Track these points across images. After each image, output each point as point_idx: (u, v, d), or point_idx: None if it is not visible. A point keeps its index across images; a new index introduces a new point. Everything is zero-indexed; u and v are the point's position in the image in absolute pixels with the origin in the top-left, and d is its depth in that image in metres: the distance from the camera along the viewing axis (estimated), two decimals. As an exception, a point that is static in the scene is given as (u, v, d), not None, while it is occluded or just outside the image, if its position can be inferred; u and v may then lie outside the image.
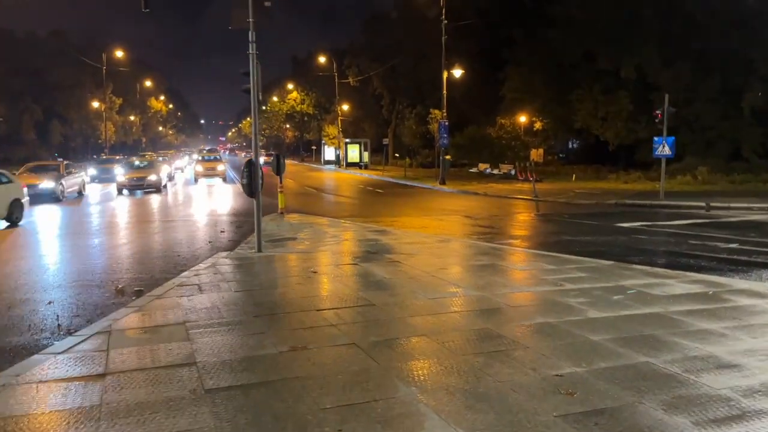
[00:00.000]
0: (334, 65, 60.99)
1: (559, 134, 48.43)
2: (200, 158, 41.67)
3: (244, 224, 15.60)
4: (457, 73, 32.80)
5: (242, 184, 10.19)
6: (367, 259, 9.70)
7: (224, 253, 10.57)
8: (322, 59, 62.04)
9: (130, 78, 79.37)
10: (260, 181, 10.35)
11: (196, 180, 35.16)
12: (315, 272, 8.62)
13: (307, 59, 74.73)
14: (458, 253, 10.41)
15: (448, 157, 34.33)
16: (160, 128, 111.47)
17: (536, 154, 45.53)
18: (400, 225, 15.43)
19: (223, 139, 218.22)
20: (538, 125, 50.35)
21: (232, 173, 42.76)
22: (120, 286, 8.28)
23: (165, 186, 30.33)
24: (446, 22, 32.16)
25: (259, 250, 10.34)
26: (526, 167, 36.92)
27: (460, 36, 38.39)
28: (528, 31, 43.18)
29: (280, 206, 16.75)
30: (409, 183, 35.22)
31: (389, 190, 30.15)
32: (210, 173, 34.84)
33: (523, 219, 17.84)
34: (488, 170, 41.63)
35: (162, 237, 13.86)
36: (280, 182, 16.80)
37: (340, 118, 60.90)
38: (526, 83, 44.25)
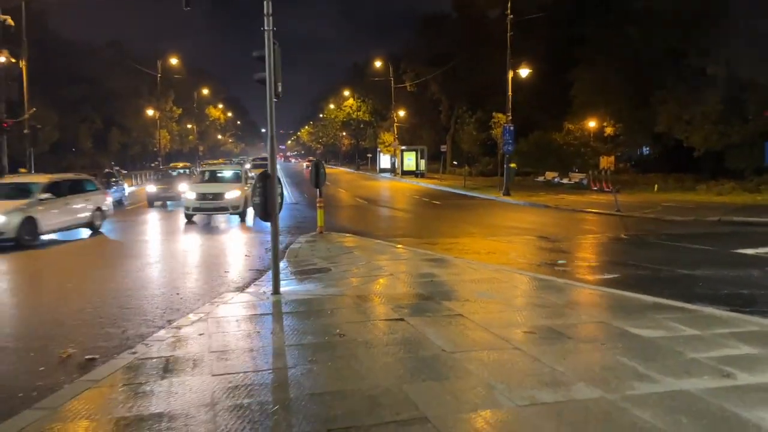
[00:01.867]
0: (390, 70, 58.65)
1: (634, 140, 44.28)
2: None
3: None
4: (524, 72, 29.69)
5: (254, 204, 7.69)
6: (418, 309, 7.00)
7: (231, 295, 8.08)
8: (377, 64, 59.84)
9: (189, 86, 79.64)
10: (279, 200, 7.84)
11: None
12: (342, 335, 5.97)
13: (364, 66, 72.81)
14: (544, 300, 7.57)
15: (513, 165, 31.19)
16: (219, 136, 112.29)
17: (607, 162, 41.63)
18: (460, 249, 12.65)
19: (283, 147, 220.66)
20: (609, 130, 46.41)
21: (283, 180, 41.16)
22: (67, 352, 5.88)
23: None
24: (512, 16, 29.17)
25: (276, 291, 7.81)
26: (601, 176, 33.35)
27: (524, 35, 35.20)
28: (602, 27, 39.52)
29: (319, 224, 14.25)
30: (468, 193, 32.28)
31: (447, 202, 27.33)
32: None
33: (610, 241, 14.70)
34: (556, 179, 38.16)
35: (169, 264, 11.58)
36: (320, 195, 14.30)
37: (396, 124, 58.47)
38: (598, 84, 40.53)
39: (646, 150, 53.02)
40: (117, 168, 59.66)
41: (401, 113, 59.79)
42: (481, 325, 6.28)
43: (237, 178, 20.29)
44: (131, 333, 6.48)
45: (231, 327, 6.39)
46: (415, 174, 50.97)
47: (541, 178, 40.18)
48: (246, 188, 18.69)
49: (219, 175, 21.32)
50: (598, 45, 39.74)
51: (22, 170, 24.85)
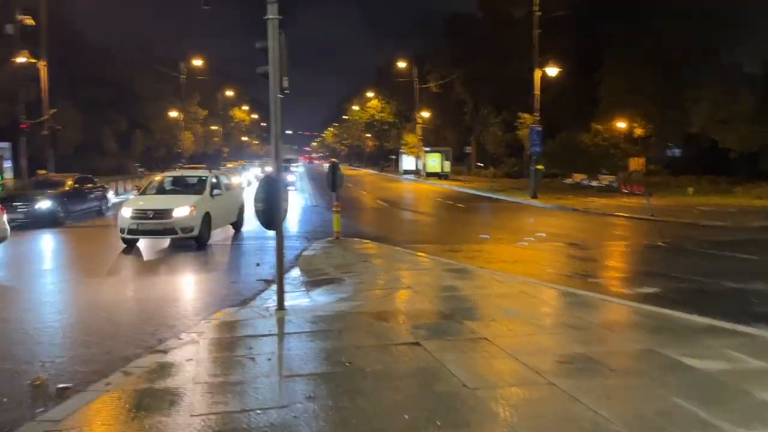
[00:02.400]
0: (415, 71, 57.86)
1: (666, 141, 42.79)
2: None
3: (291, 250, 12.52)
4: (551, 71, 28.67)
5: (256, 212, 6.97)
6: (437, 330, 6.21)
7: (232, 310, 7.39)
8: (401, 65, 59.06)
9: (213, 88, 79.81)
10: (285, 204, 7.12)
11: None
12: (348, 363, 5.21)
13: (388, 67, 72.10)
14: (579, 320, 6.73)
15: (540, 166, 30.15)
16: (244, 138, 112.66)
17: (637, 164, 40.26)
18: (485, 258, 11.81)
19: (308, 149, 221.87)
20: (639, 131, 44.95)
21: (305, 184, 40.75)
22: (39, 379, 5.22)
23: None
24: (539, 13, 28.18)
25: (280, 307, 7.08)
26: (632, 178, 32.14)
27: (551, 33, 34.00)
28: (632, 24, 38.21)
29: (335, 230, 13.51)
30: (494, 196, 31.32)
31: (472, 205, 26.44)
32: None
33: (646, 249, 13.70)
34: (585, 181, 36.95)
35: (172, 276, 10.94)
36: (336, 199, 13.56)
37: (419, 125, 57.63)
38: (627, 84, 39.20)
39: (676, 151, 51.38)
40: (142, 170, 59.94)
41: (425, 114, 58.96)
42: (509, 352, 5.47)
43: (197, 189, 14.31)
44: (116, 355, 5.81)
45: (224, 351, 5.68)
46: (439, 176, 50.08)
47: (568, 181, 39.02)
48: (210, 202, 13.82)
49: (173, 184, 15.49)
50: (627, 43, 38.42)
51: (41, 171, 24.63)
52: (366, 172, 76.85)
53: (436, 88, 55.79)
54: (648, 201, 20.99)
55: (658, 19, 34.81)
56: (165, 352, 5.60)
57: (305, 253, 11.82)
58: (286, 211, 7.15)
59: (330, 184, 13.12)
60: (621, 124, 45.73)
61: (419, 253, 11.46)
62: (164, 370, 5.10)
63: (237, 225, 16.04)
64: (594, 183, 35.66)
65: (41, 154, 37.36)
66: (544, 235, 15.74)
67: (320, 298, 7.92)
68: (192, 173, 16.40)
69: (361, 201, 28.96)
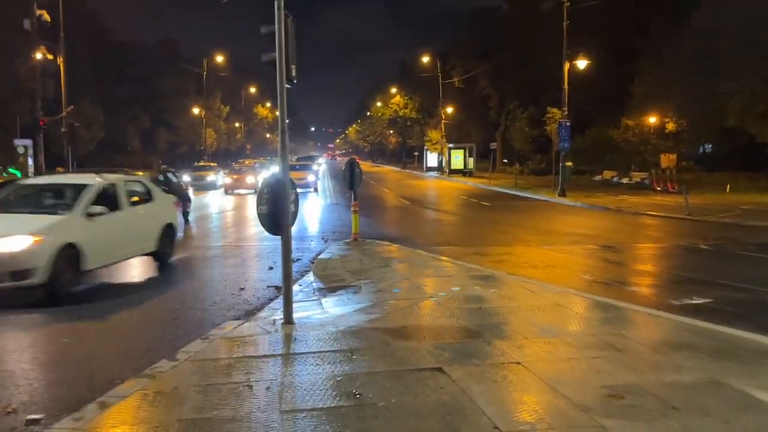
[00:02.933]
0: (438, 66, 56.86)
1: (700, 136, 41.21)
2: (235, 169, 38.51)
3: (307, 252, 11.84)
4: (581, 64, 27.52)
5: (259, 215, 6.25)
6: (463, 352, 5.43)
7: (234, 324, 6.68)
8: (425, 59, 58.09)
9: (236, 85, 79.79)
10: (294, 207, 6.40)
11: (226, 192, 32.61)
12: (358, 396, 4.47)
13: (411, 63, 71.14)
14: (625, 341, 5.88)
15: (569, 163, 29.06)
16: (268, 135, 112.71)
17: (668, 160, 38.82)
18: (514, 262, 10.97)
19: (332, 146, 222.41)
20: (671, 126, 43.44)
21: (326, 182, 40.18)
22: (9, 407, 4.58)
23: None
24: (568, 3, 27.09)
25: (288, 320, 6.37)
26: (666, 175, 30.88)
27: (581, 25, 32.76)
28: (667, 15, 36.85)
29: (353, 231, 12.78)
30: (520, 194, 30.32)
31: (498, 203, 25.51)
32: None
33: (688, 252, 12.71)
34: (615, 179, 35.69)
35: (187, 279, 10.32)
36: (354, 198, 12.83)
37: (443, 121, 56.65)
38: (662, 76, 37.78)
39: (707, 147, 49.57)
40: (165, 166, 59.91)
41: (449, 110, 57.98)
42: (547, 382, 4.67)
43: (66, 204, 9.13)
44: (97, 380, 5.15)
45: (219, 376, 4.97)
46: (464, 173, 49.10)
47: (598, 178, 37.76)
48: (81, 226, 8.69)
49: (33, 195, 10.16)
50: (663, 34, 37.02)
51: (59, 169, 24.37)
52: (389, 169, 76.09)
53: (459, 83, 54.75)
54: (686, 199, 19.87)
55: (696, 8, 33.41)
56: (151, 377, 4.92)
57: (321, 256, 11.10)
58: (295, 214, 6.42)
59: (348, 182, 12.40)
60: (652, 119, 44.28)
61: (442, 257, 10.67)
62: (145, 400, 4.41)
63: (158, 254, 10.76)
64: (625, 180, 34.38)
65: (63, 152, 37.42)
66: (575, 236, 14.83)
67: (333, 309, 7.19)
68: (70, 179, 10.98)
69: (382, 199, 28.23)
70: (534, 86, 48.97)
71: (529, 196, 28.83)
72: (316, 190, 31.54)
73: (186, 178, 29.64)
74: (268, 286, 8.99)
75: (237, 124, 78.54)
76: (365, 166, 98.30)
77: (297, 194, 6.44)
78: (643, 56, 38.56)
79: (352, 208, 12.74)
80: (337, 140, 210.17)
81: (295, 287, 8.63)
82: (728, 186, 28.10)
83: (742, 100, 33.17)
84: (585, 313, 6.97)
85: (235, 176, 33.88)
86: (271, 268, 10.47)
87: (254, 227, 16.82)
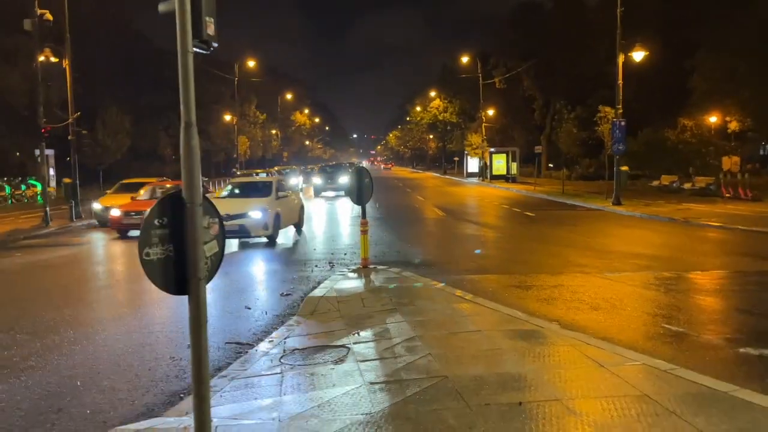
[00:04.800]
0: (479, 66, 53.99)
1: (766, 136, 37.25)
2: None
3: (303, 283, 9.44)
4: (638, 56, 24.37)
5: (144, 262, 3.79)
6: None
7: (132, 429, 4.30)
8: (465, 60, 55.28)
9: (274, 92, 78.62)
10: (218, 248, 3.98)
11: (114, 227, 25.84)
12: None
13: (451, 66, 68.43)
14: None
15: (625, 167, 25.97)
16: (307, 142, 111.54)
17: (730, 163, 35.08)
18: (567, 300, 8.31)
19: (373, 152, 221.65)
20: (734, 125, 39.58)
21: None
22: None
23: None
24: (622, -11, 24.06)
25: None
26: (736, 180, 27.40)
27: (631, 18, 29.38)
28: (728, 4, 33.25)
29: (362, 255, 10.29)
30: (569, 202, 27.32)
31: (544, 213, 22.66)
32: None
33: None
34: (675, 184, 32.26)
35: (156, 320, 8.03)
36: (363, 215, 10.33)
37: (484, 124, 53.72)
38: (725, 71, 34.18)
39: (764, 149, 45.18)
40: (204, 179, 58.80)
41: (490, 112, 55.04)
42: None
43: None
44: None
45: None
46: (506, 178, 46.12)
47: (655, 183, 34.37)
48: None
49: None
50: (724, 25, 33.41)
51: (66, 180, 22.73)
52: (428, 175, 73.46)
53: (500, 83, 51.82)
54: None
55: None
56: None
57: (315, 291, 8.66)
58: (219, 259, 3.96)
59: (355, 196, 9.94)
60: (713, 119, 40.53)
61: (472, 298, 8.05)
62: None
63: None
64: (687, 186, 30.94)
65: (86, 161, 36.13)
66: (641, 258, 12.00)
67: (293, 398, 4.73)
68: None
69: (415, 210, 25.70)
70: (582, 84, 45.70)
71: (579, 205, 25.84)
72: (270, 241, 14.74)
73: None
74: (227, 343, 6.60)
75: (273, 131, 77.15)
76: (404, 172, 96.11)
77: (223, 227, 4.00)
78: (704, 48, 34.96)
79: (361, 228, 10.24)
80: (378, 146, 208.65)
81: (263, 345, 6.24)
82: (812, 192, 24.47)
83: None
84: (696, 417, 4.30)
85: (126, 205, 17.11)
86: (248, 308, 8.12)
87: (261, 255, 14.62)
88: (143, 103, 56.57)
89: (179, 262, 3.74)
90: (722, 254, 12.76)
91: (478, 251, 13.49)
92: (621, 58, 24.11)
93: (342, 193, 32.04)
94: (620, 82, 24.24)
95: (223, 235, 4.01)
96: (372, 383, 4.91)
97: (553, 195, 30.62)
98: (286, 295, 8.88)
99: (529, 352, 5.60)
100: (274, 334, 6.64)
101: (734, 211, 21.16)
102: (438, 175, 71.37)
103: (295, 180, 39.78)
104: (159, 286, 3.71)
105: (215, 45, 3.96)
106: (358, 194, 9.87)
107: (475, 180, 52.04)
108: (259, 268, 12.00)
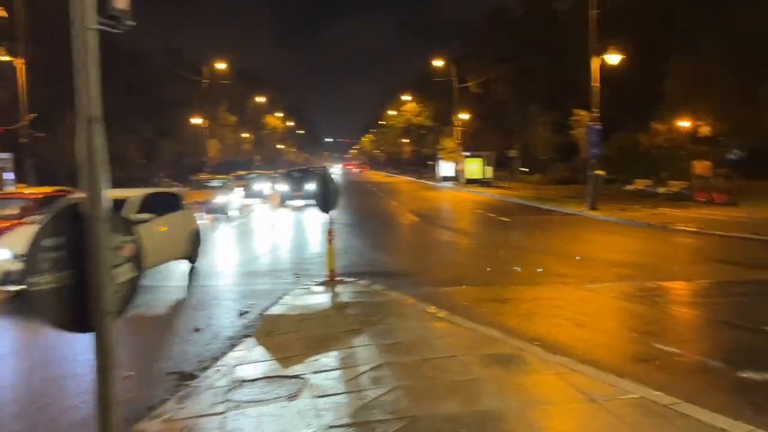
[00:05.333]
0: (452, 70, 53.59)
1: (741, 141, 37.46)
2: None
3: (265, 298, 8.68)
4: (613, 59, 24.12)
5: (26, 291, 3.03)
6: None
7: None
8: (439, 63, 54.90)
9: (246, 95, 77.36)
10: (135, 272, 3.24)
11: None
12: None
13: (425, 70, 68.02)
14: None
15: (600, 172, 25.67)
16: (280, 146, 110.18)
17: (701, 167, 35.17)
18: (547, 316, 7.71)
19: (348, 156, 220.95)
20: (705, 130, 39.76)
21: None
22: None
23: None
24: (596, -8, 23.77)
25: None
26: (710, 185, 27.34)
27: (605, 26, 29.01)
28: (704, 8, 33.33)
29: (328, 267, 9.56)
30: (544, 206, 26.92)
31: (520, 218, 22.17)
32: None
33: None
34: (650, 188, 32.15)
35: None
36: (330, 223, 9.60)
37: (458, 128, 53.36)
38: (699, 75, 34.25)
39: (735, 153, 45.46)
40: (167, 179, 57.43)
41: (464, 116, 54.69)
42: None
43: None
44: None
45: None
46: (480, 183, 45.74)
47: (629, 187, 34.22)
48: None
49: None
50: (699, 30, 33.49)
51: (20, 185, 21.57)
52: (403, 179, 72.88)
53: (475, 87, 51.48)
54: (748, 214, 16.45)
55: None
56: None
57: (273, 308, 7.92)
58: (133, 289, 3.23)
59: (320, 203, 9.21)
60: (685, 123, 40.70)
61: (446, 316, 7.38)
62: None
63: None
64: (661, 190, 30.81)
65: (48, 165, 34.68)
66: (622, 266, 11.49)
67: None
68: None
69: (388, 215, 25.04)
70: (557, 89, 45.63)
71: (554, 209, 25.45)
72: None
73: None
74: (168, 373, 5.81)
75: (245, 135, 75.82)
76: (379, 176, 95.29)
77: (134, 242, 3.25)
78: (677, 53, 35.01)
79: (327, 237, 9.49)
80: (353, 150, 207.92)
81: (210, 375, 5.48)
82: (786, 197, 24.38)
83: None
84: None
85: None
86: (197, 330, 7.33)
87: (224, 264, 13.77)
88: (109, 105, 55.03)
89: (79, 292, 2.99)
90: (703, 262, 12.32)
91: (539, 269, 12.85)
92: (596, 62, 23.81)
93: (312, 201, 28.93)
94: (596, 85, 23.94)
95: (138, 257, 3.28)
96: (330, 427, 4.19)
97: (527, 199, 30.23)
98: (244, 313, 8.11)
99: (510, 382, 4.94)
100: (222, 361, 5.88)
101: (710, 216, 20.92)
102: (413, 179, 70.87)
103: (260, 186, 37.97)
104: (52, 323, 2.95)
105: (130, 24, 3.22)
106: (324, 201, 9.14)
107: (449, 184, 51.60)
108: (214, 281, 11.13)
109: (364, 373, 5.28)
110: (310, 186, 27.81)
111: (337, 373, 5.36)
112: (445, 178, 55.11)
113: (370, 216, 24.29)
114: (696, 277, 10.41)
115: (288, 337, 6.53)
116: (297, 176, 32.49)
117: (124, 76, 57.45)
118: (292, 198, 30.04)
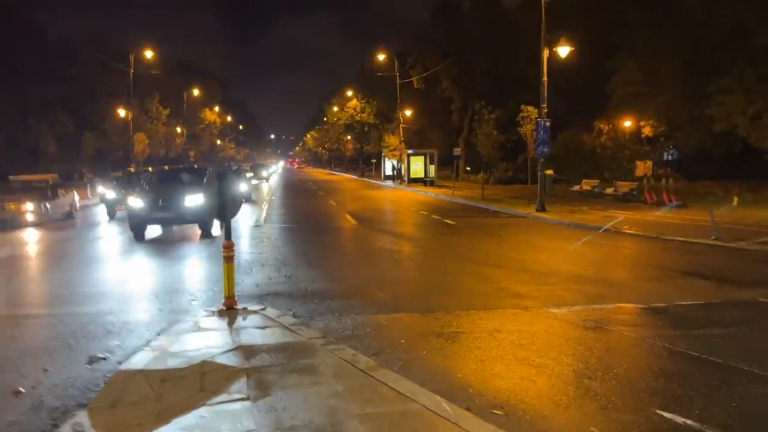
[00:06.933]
0: (396, 65, 51.82)
1: (686, 140, 37.11)
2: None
3: (133, 337, 6.43)
4: (563, 51, 22.71)
5: None
6: None
7: None
8: (381, 57, 53.08)
9: (179, 87, 73.41)
10: None
11: None
12: None
13: (369, 66, 65.97)
14: None
15: (549, 171, 24.34)
16: (218, 141, 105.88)
17: (644, 167, 34.59)
18: (510, 360, 5.83)
19: (291, 153, 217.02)
20: (647, 130, 39.42)
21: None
22: None
23: None
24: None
25: None
26: (660, 186, 26.45)
27: (553, 23, 27.55)
28: (652, 4, 32.61)
29: (225, 293, 7.36)
30: (490, 207, 25.38)
31: (465, 221, 20.45)
32: None
33: (760, 311, 7.83)
34: (597, 189, 31.19)
35: None
36: (227, 236, 7.36)
37: (401, 125, 51.62)
38: (646, 73, 33.62)
39: (672, 154, 45.54)
40: (89, 175, 53.18)
41: (408, 113, 53.04)
42: None
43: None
44: None
45: None
46: (424, 182, 44.15)
47: (576, 188, 33.22)
48: None
49: None
50: (646, 26, 32.78)
51: None
52: (346, 177, 70.70)
53: (419, 83, 49.88)
54: (712, 217, 15.19)
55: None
56: None
57: (139, 356, 5.70)
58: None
59: (216, 210, 6.99)
60: (628, 123, 40.30)
61: (375, 370, 5.38)
62: None
63: None
64: (609, 191, 29.87)
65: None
66: (587, 282, 9.78)
67: None
68: None
69: (325, 217, 22.88)
70: (502, 86, 44.54)
71: (501, 211, 23.91)
72: None
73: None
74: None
75: (178, 129, 71.84)
76: (321, 174, 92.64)
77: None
78: (625, 50, 34.29)
79: (223, 253, 7.28)
80: (297, 148, 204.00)
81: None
82: (735, 198, 23.64)
83: (734, 99, 29.30)
84: None
85: None
86: (46, 371, 5.07)
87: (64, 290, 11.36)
88: (26, 95, 50.46)
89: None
90: (677, 276, 10.76)
91: (491, 283, 10.85)
92: (545, 53, 22.37)
93: (188, 220, 15.61)
94: (545, 79, 22.51)
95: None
96: None
97: (473, 200, 28.67)
98: (99, 360, 5.86)
99: None
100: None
101: (664, 219, 19.79)
102: (355, 177, 68.81)
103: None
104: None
105: None
106: (219, 210, 6.92)
107: (392, 183, 49.82)
108: (81, 306, 8.70)
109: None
110: (191, 197, 14.86)
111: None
112: (388, 177, 53.36)
113: (303, 218, 22.12)
114: (677, 297, 8.77)
115: (137, 413, 4.36)
116: (166, 180, 17.69)
117: (47, 63, 53.18)
118: (151, 219, 15.34)
